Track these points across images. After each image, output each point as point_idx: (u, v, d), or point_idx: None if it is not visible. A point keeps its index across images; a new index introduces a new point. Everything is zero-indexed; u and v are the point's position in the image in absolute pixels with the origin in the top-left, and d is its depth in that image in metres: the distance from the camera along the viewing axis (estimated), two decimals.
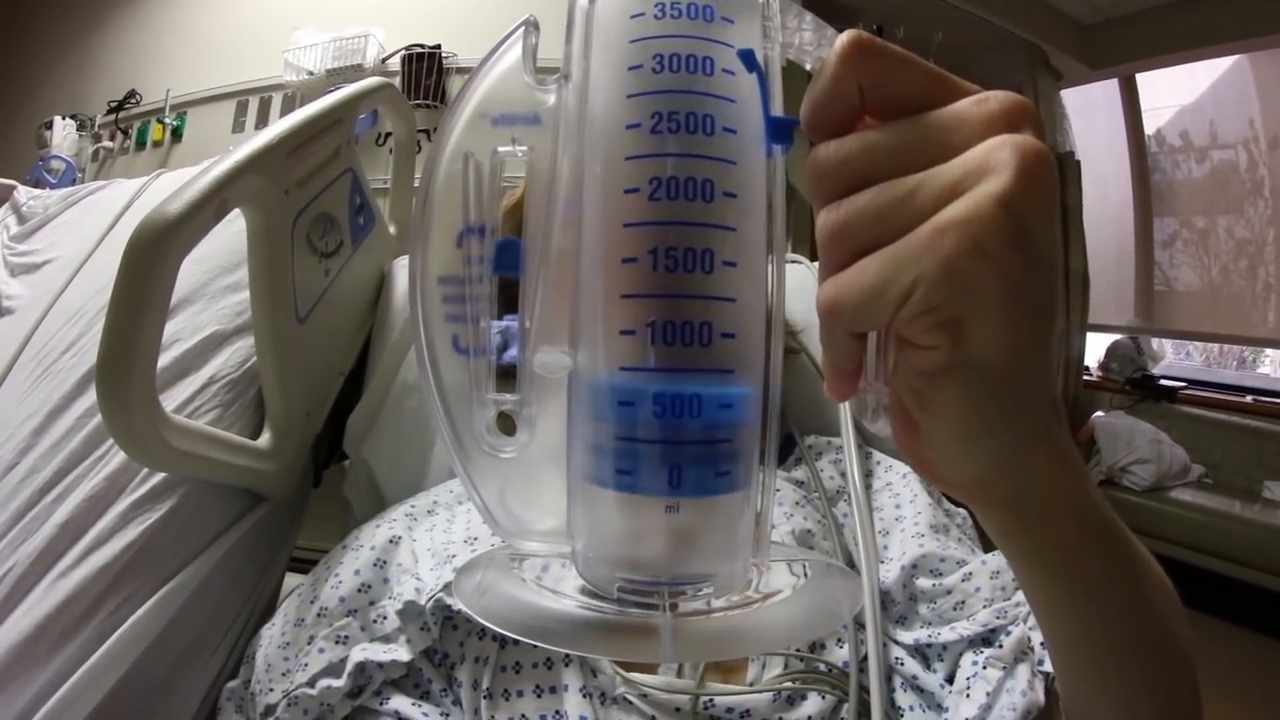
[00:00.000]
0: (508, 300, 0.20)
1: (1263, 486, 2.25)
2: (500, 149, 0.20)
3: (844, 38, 0.18)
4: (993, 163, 0.16)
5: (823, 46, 0.21)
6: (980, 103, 0.17)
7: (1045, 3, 2.55)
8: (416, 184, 0.82)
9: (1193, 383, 2.75)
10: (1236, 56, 2.68)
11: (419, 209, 0.20)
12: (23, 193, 0.85)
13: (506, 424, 0.21)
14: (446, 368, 0.20)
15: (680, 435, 0.18)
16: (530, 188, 0.20)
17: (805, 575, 0.21)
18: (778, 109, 0.19)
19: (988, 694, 0.35)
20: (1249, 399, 2.56)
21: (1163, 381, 2.71)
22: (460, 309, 0.20)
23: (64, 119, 1.99)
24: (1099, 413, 2.60)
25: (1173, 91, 2.91)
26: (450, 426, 0.20)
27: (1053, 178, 0.17)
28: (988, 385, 0.18)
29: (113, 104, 2.06)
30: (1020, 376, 0.18)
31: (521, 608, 0.18)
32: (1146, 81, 2.92)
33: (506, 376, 0.21)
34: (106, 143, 2.05)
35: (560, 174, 0.19)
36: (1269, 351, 3.06)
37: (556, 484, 0.20)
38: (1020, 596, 0.39)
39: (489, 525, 0.21)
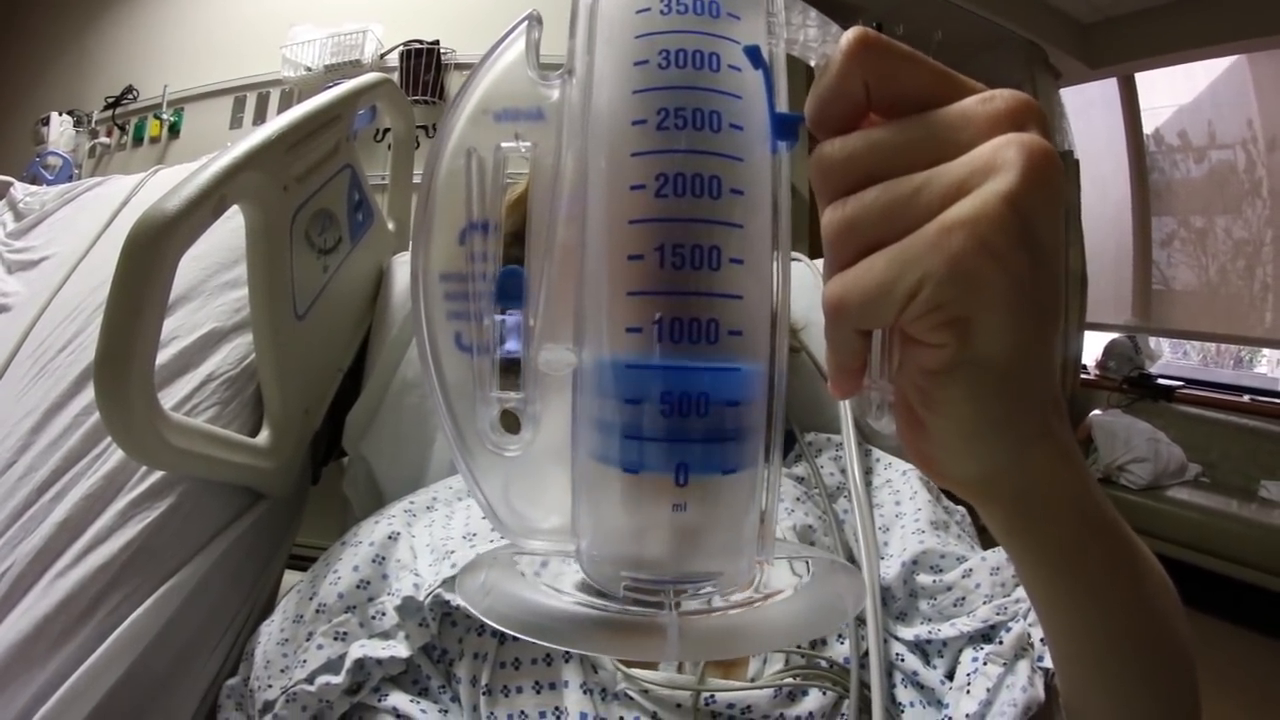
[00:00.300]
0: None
1: (1259, 485, 2.25)
2: (503, 144, 0.20)
3: (850, 35, 0.17)
4: (999, 161, 0.16)
5: (827, 43, 0.21)
6: (986, 101, 0.17)
7: (1045, 1, 2.56)
8: (415, 180, 0.82)
9: (1190, 382, 2.76)
10: (1235, 57, 2.68)
11: (421, 205, 0.20)
12: (19, 189, 0.85)
13: (510, 422, 0.21)
14: (449, 365, 0.20)
15: (687, 432, 0.17)
16: (534, 184, 0.20)
17: (809, 573, 0.21)
18: (783, 106, 0.19)
19: (988, 690, 0.35)
20: (1246, 398, 2.57)
21: (1160, 380, 2.72)
22: (463, 306, 0.20)
23: (61, 115, 1.98)
24: (1096, 411, 2.60)
25: (1171, 91, 2.92)
26: (453, 424, 0.20)
27: (1058, 177, 0.17)
28: (993, 383, 0.18)
29: (110, 100, 2.05)
30: (1025, 374, 0.18)
31: (526, 607, 0.18)
32: (1145, 81, 2.93)
33: (507, 372, 0.20)
34: (103, 139, 2.04)
35: (564, 170, 0.19)
36: (1266, 351, 3.07)
37: (561, 482, 0.19)
38: (1020, 593, 0.39)
39: (492, 524, 0.21)
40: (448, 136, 0.20)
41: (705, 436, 0.18)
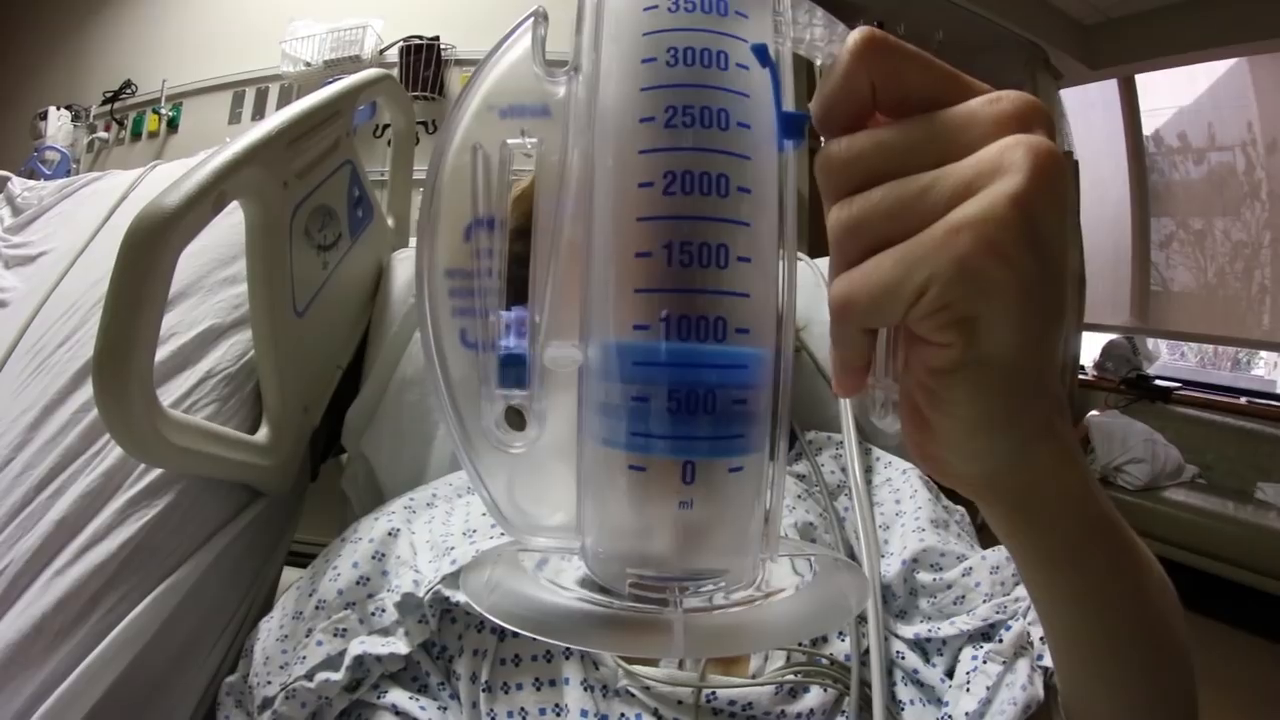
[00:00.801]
0: (517, 294, 0.20)
1: (1255, 488, 2.26)
2: (509, 141, 0.20)
3: (857, 34, 0.17)
4: (1006, 162, 0.16)
5: (833, 42, 0.21)
6: (992, 102, 0.17)
7: (1046, 2, 2.55)
8: (415, 177, 0.82)
9: (1187, 383, 2.77)
10: (1236, 59, 2.68)
11: (426, 201, 0.20)
12: (17, 184, 0.84)
13: (515, 419, 0.21)
14: (454, 362, 0.20)
15: (694, 430, 0.17)
16: (540, 181, 0.20)
17: (813, 570, 0.21)
18: (789, 104, 0.18)
19: (987, 688, 0.35)
20: (1243, 400, 2.58)
21: (1157, 382, 2.72)
22: (468, 303, 0.20)
23: (59, 109, 1.97)
24: (1094, 412, 2.61)
25: (1171, 93, 2.92)
26: (458, 421, 0.20)
27: (1064, 179, 0.17)
28: (998, 382, 0.18)
29: (108, 94, 2.04)
30: (1030, 373, 0.18)
31: (532, 604, 0.18)
32: (1145, 82, 2.93)
33: (512, 368, 0.20)
34: (102, 133, 2.03)
35: (570, 167, 0.19)
36: (1263, 353, 3.08)
37: (566, 479, 0.19)
38: (1020, 591, 0.39)
39: (496, 521, 0.21)
40: (453, 132, 0.20)
41: (712, 434, 0.18)
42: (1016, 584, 0.40)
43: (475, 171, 0.20)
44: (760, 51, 0.18)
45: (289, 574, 0.58)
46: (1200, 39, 2.49)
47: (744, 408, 0.18)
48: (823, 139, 0.19)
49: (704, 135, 0.17)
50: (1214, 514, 2.12)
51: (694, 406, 0.17)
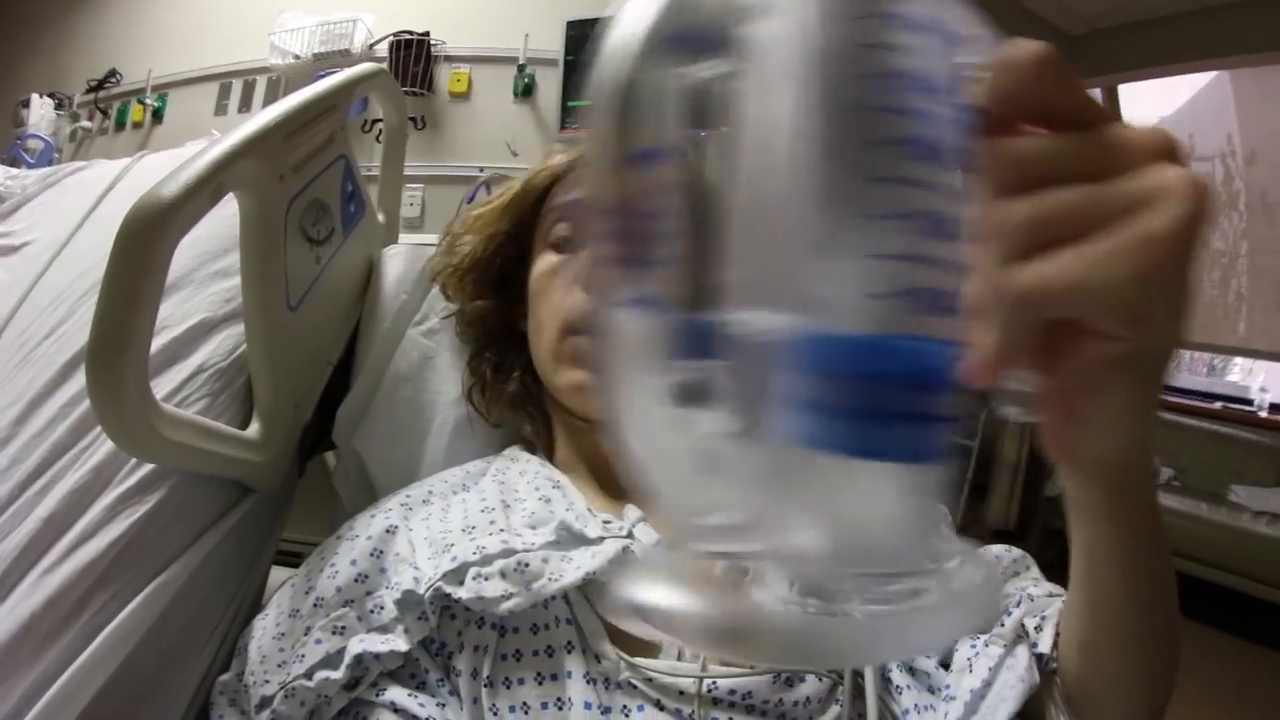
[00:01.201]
0: (697, 246, 0.17)
1: (1229, 490, 2.32)
2: (686, 69, 0.17)
3: (1035, 49, 0.19)
4: (1181, 188, 0.19)
5: (981, 45, 0.22)
6: (1148, 133, 0.20)
7: (1030, 12, 2.59)
8: (407, 172, 0.80)
9: (1164, 388, 2.82)
10: (1216, 72, 2.74)
11: (591, 134, 0.17)
12: (0, 172, 0.82)
13: (691, 396, 0.18)
14: (619, 325, 0.17)
15: (914, 411, 0.15)
16: (730, 124, 0.17)
17: (971, 564, 0.19)
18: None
19: (990, 669, 0.36)
20: (1218, 405, 2.64)
21: None
22: (633, 251, 0.16)
23: (42, 97, 1.93)
24: None
25: (1153, 104, 2.97)
26: (621, 396, 0.17)
27: (1213, 207, 0.20)
28: (1154, 373, 0.21)
29: (92, 83, 2.00)
30: (1168, 369, 0.21)
31: (745, 619, 0.15)
32: (1128, 93, 2.98)
33: (687, 333, 0.17)
34: (85, 123, 1.99)
35: (771, 113, 0.16)
36: (1238, 360, 3.15)
37: (751, 469, 0.16)
38: (1009, 587, 0.40)
39: (664, 516, 0.18)
40: (619, 58, 0.17)
41: (919, 425, 0.15)
42: (1005, 580, 0.41)
43: (654, 96, 0.17)
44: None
45: (276, 573, 0.58)
46: (1183, 51, 2.54)
47: (945, 399, 0.16)
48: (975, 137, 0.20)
49: (932, 100, 0.17)
50: (1188, 516, 2.17)
51: (917, 386, 0.15)
